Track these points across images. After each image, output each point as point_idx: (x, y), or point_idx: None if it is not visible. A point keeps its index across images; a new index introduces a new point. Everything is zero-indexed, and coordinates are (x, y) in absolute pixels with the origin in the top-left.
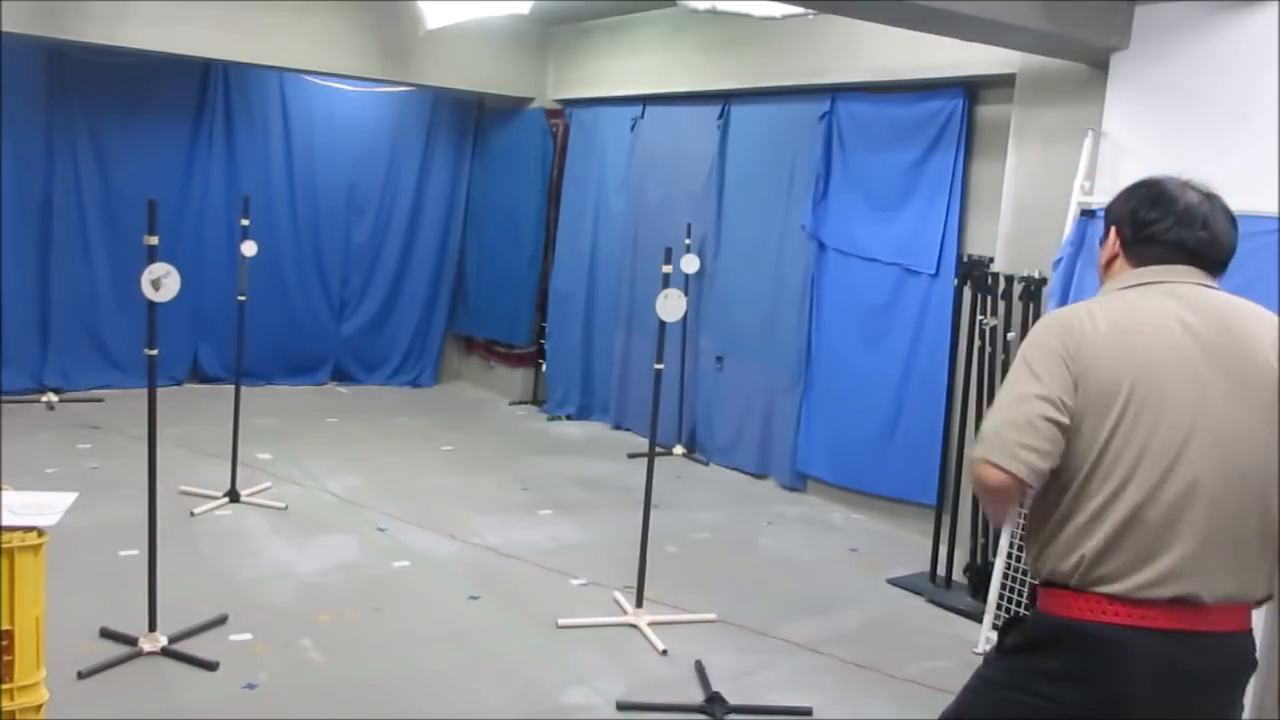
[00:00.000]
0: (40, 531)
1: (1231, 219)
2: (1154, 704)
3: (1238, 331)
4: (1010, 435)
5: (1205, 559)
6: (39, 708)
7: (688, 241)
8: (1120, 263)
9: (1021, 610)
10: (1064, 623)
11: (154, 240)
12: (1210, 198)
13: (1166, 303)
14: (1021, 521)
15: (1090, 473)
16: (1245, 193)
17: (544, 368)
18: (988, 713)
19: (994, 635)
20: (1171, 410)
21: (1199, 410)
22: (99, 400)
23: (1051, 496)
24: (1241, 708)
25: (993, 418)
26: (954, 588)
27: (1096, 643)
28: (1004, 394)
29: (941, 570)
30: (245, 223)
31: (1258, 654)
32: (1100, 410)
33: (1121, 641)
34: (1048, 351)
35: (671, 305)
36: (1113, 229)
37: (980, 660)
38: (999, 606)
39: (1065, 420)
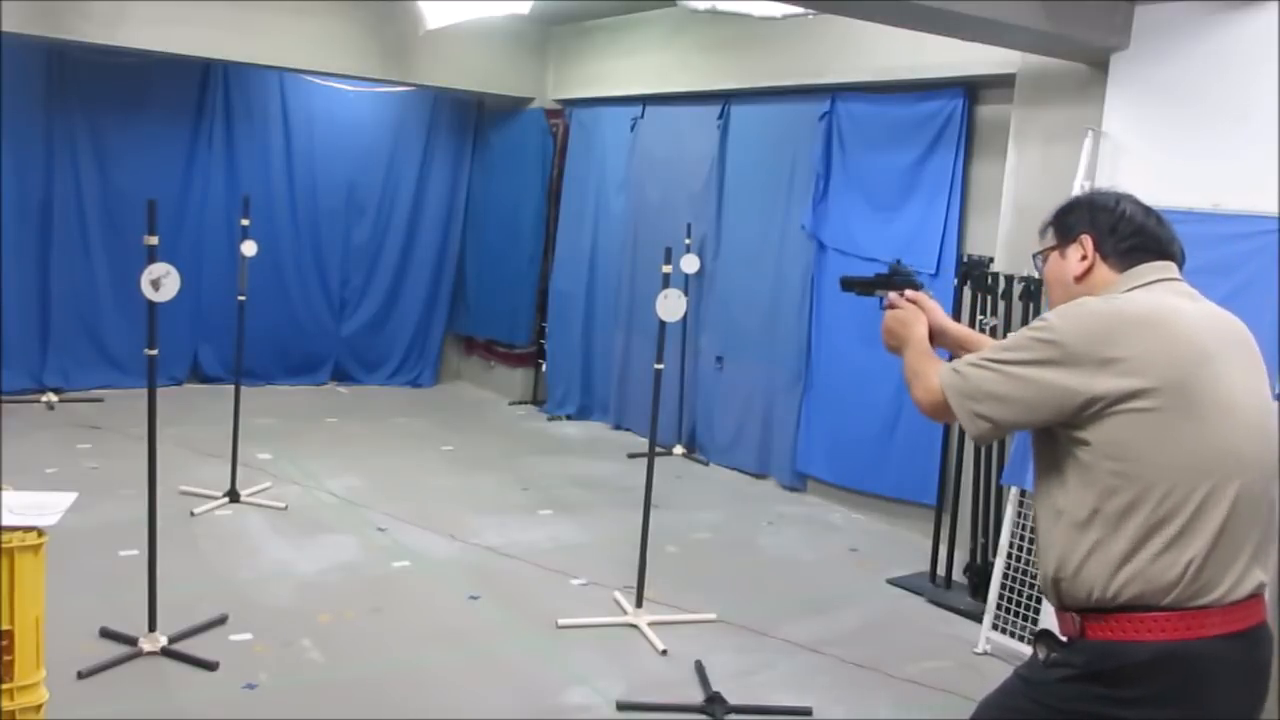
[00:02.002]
0: (40, 531)
1: None
2: (1235, 706)
3: (1236, 322)
4: (977, 405)
5: (1265, 548)
6: (39, 708)
7: (688, 241)
8: (1104, 273)
9: (1035, 620)
10: (1161, 647)
11: (154, 240)
12: (1149, 207)
13: (1183, 299)
14: (1035, 540)
15: (1179, 479)
16: (1245, 193)
17: (544, 368)
18: None
19: (994, 635)
20: (1235, 403)
21: (1248, 401)
22: (99, 400)
23: (1123, 510)
24: None
25: (982, 369)
26: (954, 588)
27: (1201, 661)
28: (1013, 353)
29: (941, 570)
30: (245, 223)
31: None
32: (1182, 413)
33: (1218, 655)
34: (1079, 355)
35: (671, 305)
36: (1087, 241)
37: (978, 659)
38: (999, 606)
39: (1059, 416)
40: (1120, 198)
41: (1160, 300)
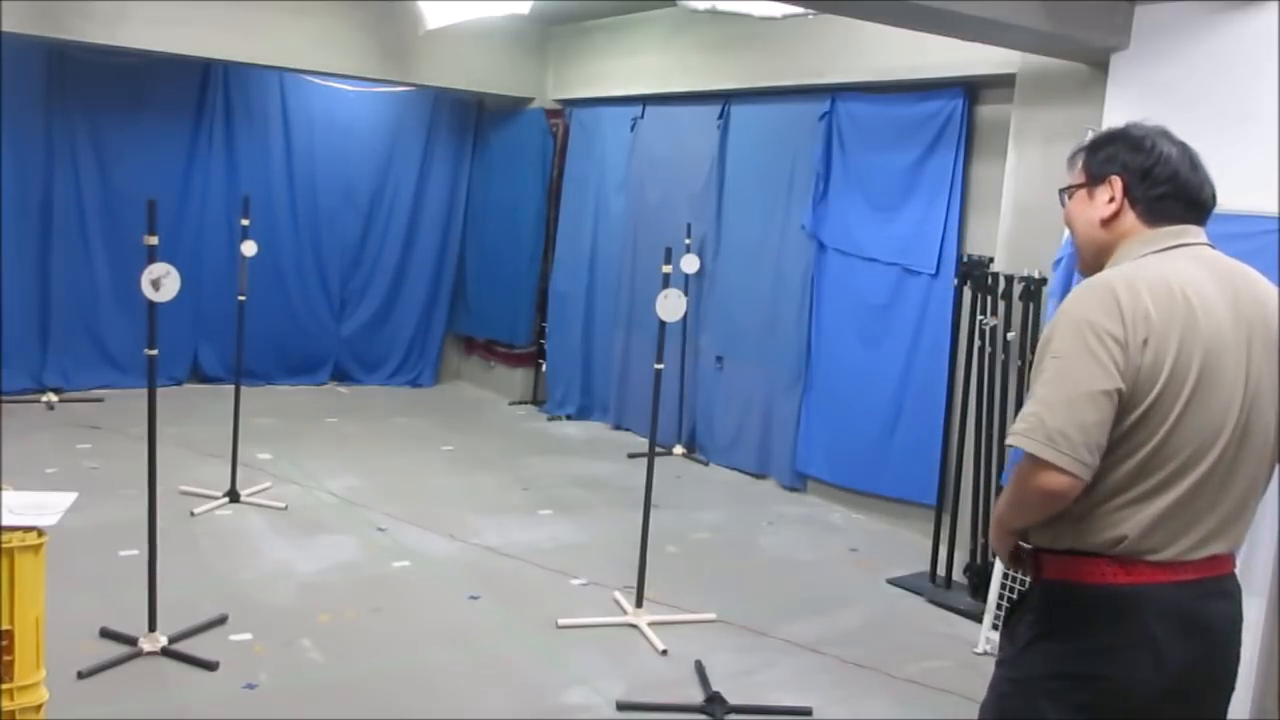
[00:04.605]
0: (40, 531)
1: None
2: (1194, 653)
3: (1255, 296)
4: (1079, 437)
5: (1233, 520)
6: (39, 708)
7: (688, 241)
8: (1129, 219)
9: (1020, 589)
10: (1104, 589)
11: (154, 240)
12: (1185, 145)
13: (1199, 268)
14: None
15: (1155, 451)
16: (1245, 193)
17: (544, 368)
18: (1035, 715)
19: (994, 635)
20: (1228, 387)
21: (1244, 381)
22: (99, 400)
23: (1098, 473)
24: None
25: (1054, 415)
26: (954, 588)
27: (1141, 603)
28: (1062, 385)
29: (941, 570)
30: (245, 223)
31: (1258, 654)
32: (1172, 393)
33: (1158, 599)
34: (1109, 338)
35: (671, 305)
36: (1117, 183)
37: (978, 659)
38: (999, 606)
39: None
40: (1157, 139)
41: (1174, 272)
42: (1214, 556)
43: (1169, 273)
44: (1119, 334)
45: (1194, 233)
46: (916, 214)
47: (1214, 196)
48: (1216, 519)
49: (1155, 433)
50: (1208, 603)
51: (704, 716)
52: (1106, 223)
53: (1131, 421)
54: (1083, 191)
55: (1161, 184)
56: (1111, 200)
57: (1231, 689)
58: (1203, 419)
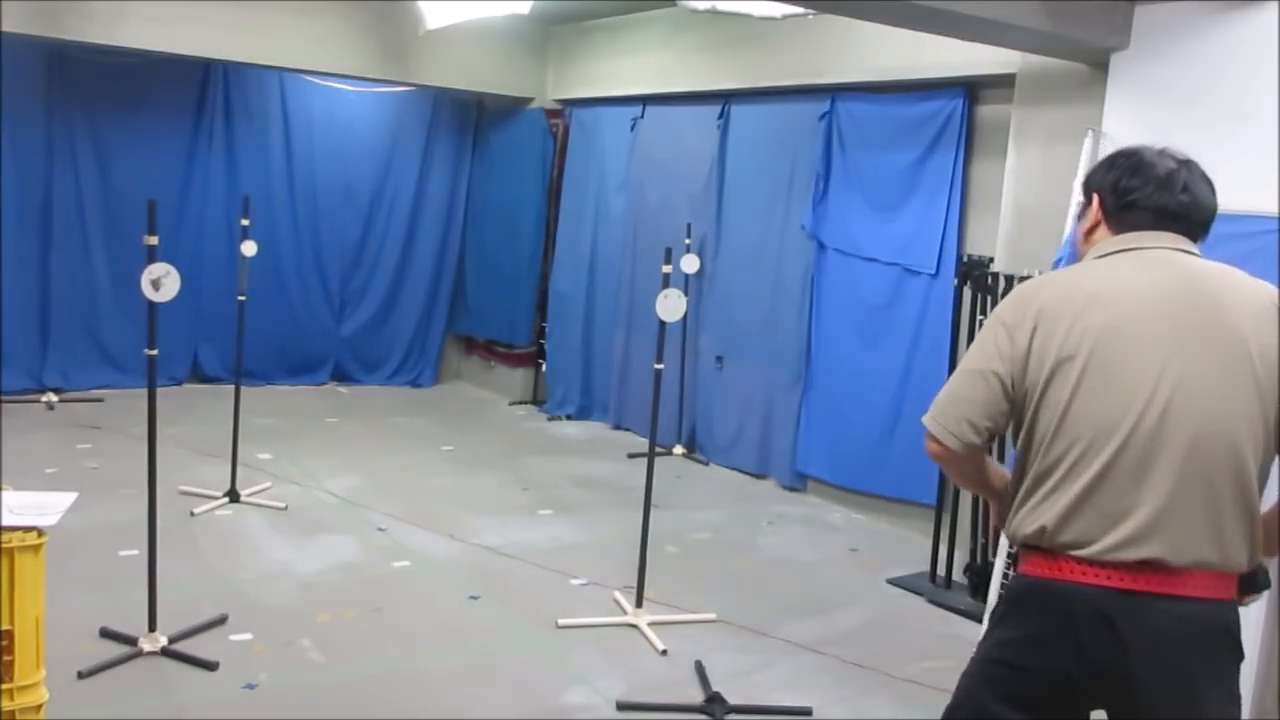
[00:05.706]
0: (40, 531)
1: (1209, 183)
2: (1126, 664)
3: (1213, 297)
4: (950, 409)
5: (1171, 523)
6: (39, 708)
7: (688, 241)
8: (1102, 231)
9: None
10: (1030, 581)
11: (154, 240)
12: (1188, 163)
13: (1135, 268)
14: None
15: (1053, 439)
16: (1245, 193)
17: (544, 368)
18: (979, 699)
19: None
20: (1134, 374)
21: (1165, 373)
22: (99, 400)
23: (1022, 463)
24: (1235, 685)
25: (945, 391)
26: (954, 588)
27: (1064, 601)
28: (959, 369)
29: (941, 570)
30: (245, 223)
31: (1258, 654)
32: (1061, 377)
33: (1085, 600)
34: (999, 325)
35: (671, 305)
36: (1095, 199)
37: None
38: None
39: (1008, 391)
40: (1140, 153)
41: (1095, 273)
42: (1154, 565)
43: (1089, 273)
44: (1010, 321)
45: (1153, 238)
46: (916, 214)
47: (1196, 206)
48: (1140, 519)
49: (1054, 416)
50: (1138, 616)
51: (704, 716)
52: (1088, 235)
53: (1033, 407)
54: (1085, 208)
55: (1126, 194)
56: (1093, 215)
57: (1185, 706)
58: (1099, 404)
